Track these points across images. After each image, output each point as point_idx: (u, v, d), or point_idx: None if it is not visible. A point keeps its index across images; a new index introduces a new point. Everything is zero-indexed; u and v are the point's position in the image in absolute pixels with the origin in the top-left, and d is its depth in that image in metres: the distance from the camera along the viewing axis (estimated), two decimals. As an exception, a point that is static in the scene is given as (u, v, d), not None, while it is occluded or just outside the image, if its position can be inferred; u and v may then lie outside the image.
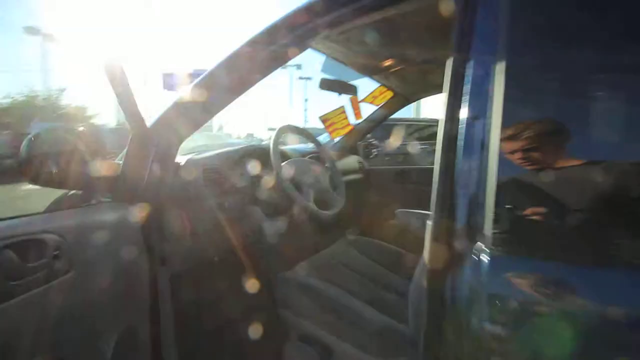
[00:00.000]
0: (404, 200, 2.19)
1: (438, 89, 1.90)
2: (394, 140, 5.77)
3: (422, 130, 5.87)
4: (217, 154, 1.13)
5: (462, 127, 0.56)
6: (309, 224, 1.58)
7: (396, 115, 2.24)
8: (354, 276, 1.09)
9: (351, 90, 1.67)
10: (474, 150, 0.53)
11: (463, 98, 0.56)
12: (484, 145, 0.53)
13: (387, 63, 1.30)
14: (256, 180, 1.13)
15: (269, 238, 1.16)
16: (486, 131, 0.53)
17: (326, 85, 1.49)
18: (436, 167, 0.60)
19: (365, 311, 0.99)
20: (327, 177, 1.26)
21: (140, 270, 0.85)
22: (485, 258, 0.51)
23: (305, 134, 1.27)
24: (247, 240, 1.31)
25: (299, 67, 26.86)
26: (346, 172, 2.01)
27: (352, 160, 2.17)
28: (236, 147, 1.21)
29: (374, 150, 2.48)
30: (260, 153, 1.22)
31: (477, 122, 0.53)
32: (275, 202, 1.17)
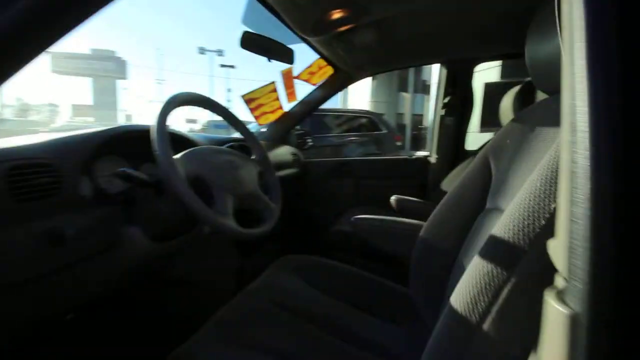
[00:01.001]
0: (352, 198, 1.90)
1: (400, 62, 1.63)
2: (326, 131, 5.58)
3: (352, 121, 5.73)
4: (49, 141, 0.61)
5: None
6: (227, 246, 1.14)
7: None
8: (296, 325, 0.71)
9: (286, 55, 1.25)
10: None
11: None
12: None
13: (338, 15, 0.93)
14: (134, 183, 0.66)
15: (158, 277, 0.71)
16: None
17: (251, 42, 1.04)
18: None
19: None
20: (255, 174, 0.85)
21: None
22: None
23: (219, 109, 0.81)
24: (117, 288, 0.83)
25: (220, 52, 24.99)
26: (278, 167, 1.61)
27: (284, 152, 1.77)
28: (96, 129, 0.70)
29: (309, 140, 2.11)
30: (140, 136, 0.74)
31: None
32: (167, 218, 0.71)
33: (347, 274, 0.93)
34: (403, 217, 1.19)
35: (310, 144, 2.10)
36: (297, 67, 1.65)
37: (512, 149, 0.65)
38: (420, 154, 1.86)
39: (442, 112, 1.60)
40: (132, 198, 0.73)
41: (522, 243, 0.37)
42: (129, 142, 0.77)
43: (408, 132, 10.02)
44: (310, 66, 1.61)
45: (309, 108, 1.84)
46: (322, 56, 1.47)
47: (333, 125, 5.73)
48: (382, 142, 5.70)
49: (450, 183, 1.52)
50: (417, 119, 10.70)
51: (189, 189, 0.59)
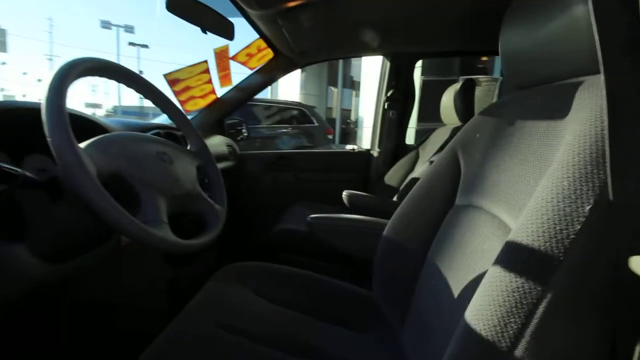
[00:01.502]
0: (293, 193, 1.78)
1: (345, 51, 1.54)
2: (256, 122, 5.31)
3: (283, 112, 5.59)
4: None
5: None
6: (153, 256, 0.94)
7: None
8: (252, 352, 0.58)
9: (224, 28, 1.06)
10: None
11: None
12: None
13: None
14: (13, 183, 0.45)
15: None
16: None
17: (179, 4, 0.84)
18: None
19: None
20: (194, 169, 0.68)
21: None
22: None
23: (140, 83, 0.61)
24: None
25: (129, 29, 22.02)
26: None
27: (218, 143, 1.57)
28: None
29: (244, 130, 1.93)
30: (23, 118, 0.51)
31: None
32: (66, 230, 0.51)
33: (302, 280, 0.82)
34: (355, 213, 1.13)
35: (245, 134, 1.93)
36: (232, 47, 1.47)
37: (484, 143, 0.62)
38: (349, 147, 1.83)
39: (385, 105, 1.59)
40: (12, 204, 0.51)
41: (555, 252, 0.31)
42: (5, 126, 0.54)
43: (338, 125, 10.26)
44: (248, 47, 1.44)
45: (245, 95, 1.67)
46: (263, 36, 1.31)
47: (263, 116, 5.52)
48: (313, 135, 5.68)
49: (393, 177, 1.53)
50: (345, 113, 11.03)
51: (103, 190, 0.42)
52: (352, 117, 10.91)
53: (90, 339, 0.93)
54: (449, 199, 0.68)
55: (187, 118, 0.74)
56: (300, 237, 1.13)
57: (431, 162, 1.15)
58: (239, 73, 1.59)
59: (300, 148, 5.53)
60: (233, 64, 1.49)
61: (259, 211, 1.73)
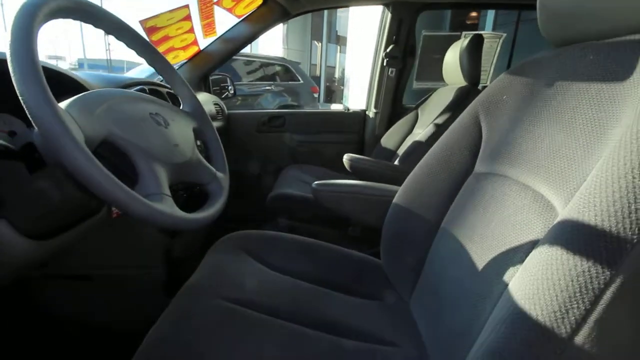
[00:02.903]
0: (286, 155, 1.70)
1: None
2: (237, 78, 5.00)
3: (267, 68, 5.29)
4: None
5: None
6: (144, 226, 0.88)
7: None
8: (266, 327, 0.55)
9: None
10: None
11: None
12: None
13: None
14: None
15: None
16: None
17: None
18: None
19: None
20: (191, 133, 0.60)
21: None
22: None
23: (121, 29, 0.50)
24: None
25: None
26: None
27: (204, 100, 1.45)
28: None
29: (229, 87, 1.79)
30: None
31: None
32: (50, 203, 0.44)
33: (307, 248, 0.79)
34: (356, 177, 1.09)
35: (232, 92, 1.80)
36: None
37: (514, 106, 0.57)
38: (337, 106, 1.75)
39: (384, 62, 1.49)
40: None
41: (629, 233, 0.28)
42: None
43: (322, 84, 9.91)
44: (235, -10, 1.28)
45: (232, 47, 1.52)
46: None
47: (244, 72, 5.21)
48: (298, 93, 5.47)
49: (390, 139, 1.48)
50: (329, 70, 10.61)
51: (95, 160, 0.34)
52: (337, 75, 10.52)
53: (85, 318, 0.88)
54: (467, 166, 0.64)
55: (177, 73, 0.65)
56: (298, 202, 1.09)
57: (436, 124, 1.10)
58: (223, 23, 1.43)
59: (285, 107, 5.34)
60: (217, 11, 1.33)
61: (251, 175, 1.67)
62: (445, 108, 1.16)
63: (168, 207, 0.43)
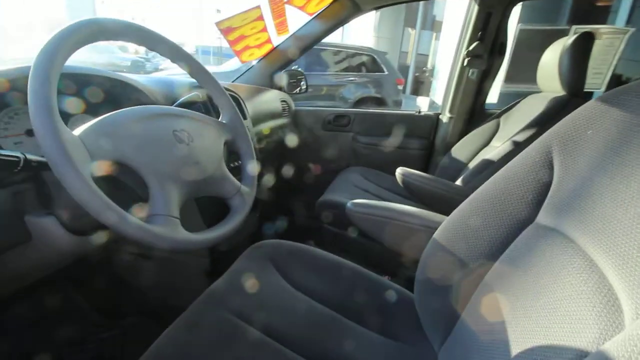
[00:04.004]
0: (347, 156, 1.66)
1: None
2: (322, 68, 5.06)
3: (352, 58, 5.22)
4: None
5: None
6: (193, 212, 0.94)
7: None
8: (265, 351, 0.54)
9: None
10: None
11: None
12: None
13: None
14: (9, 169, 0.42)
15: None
16: None
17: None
18: None
19: None
20: (221, 146, 0.61)
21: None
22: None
23: (163, 45, 0.52)
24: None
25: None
26: (264, 118, 1.35)
27: (272, 98, 1.49)
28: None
29: (303, 83, 1.80)
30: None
31: None
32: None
33: (339, 269, 0.75)
34: (409, 195, 1.00)
35: (304, 87, 1.81)
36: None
37: (600, 147, 0.43)
38: (423, 102, 1.59)
39: (465, 62, 1.31)
40: (37, 179, 0.50)
41: None
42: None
43: (411, 74, 9.39)
44: (306, -11, 1.26)
45: (304, 44, 1.52)
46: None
47: (331, 61, 5.23)
48: (382, 84, 5.29)
49: (462, 149, 1.31)
50: (422, 59, 9.95)
51: (91, 187, 0.36)
52: (429, 65, 9.82)
53: (148, 289, 1.01)
54: (528, 213, 0.51)
55: (219, 84, 0.66)
56: (343, 212, 1.05)
57: (515, 142, 0.93)
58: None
59: (367, 99, 5.22)
60: (289, 10, 1.33)
61: (311, 173, 1.67)
62: (531, 122, 0.96)
63: (169, 229, 0.44)
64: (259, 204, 1.17)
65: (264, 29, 1.39)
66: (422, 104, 7.30)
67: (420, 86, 9.14)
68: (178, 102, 0.74)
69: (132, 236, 0.40)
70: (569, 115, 0.50)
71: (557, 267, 0.40)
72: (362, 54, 5.34)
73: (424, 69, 9.58)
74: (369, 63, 5.31)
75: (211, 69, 5.06)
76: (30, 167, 0.41)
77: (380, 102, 5.31)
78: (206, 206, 0.89)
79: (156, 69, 10.85)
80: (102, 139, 0.41)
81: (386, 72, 5.27)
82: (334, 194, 1.18)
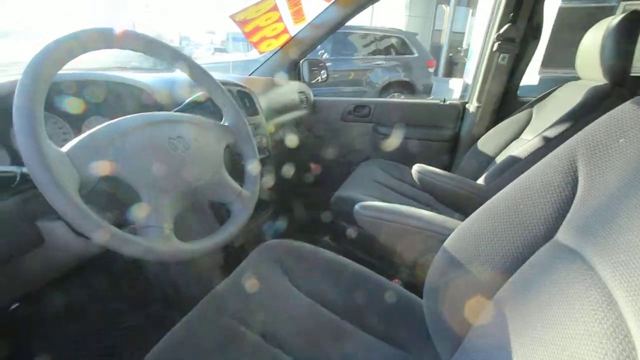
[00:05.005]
0: (367, 148, 1.61)
1: None
2: (350, 52, 4.92)
3: (380, 41, 5.03)
4: None
5: None
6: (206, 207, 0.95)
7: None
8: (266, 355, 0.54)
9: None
10: None
11: None
12: None
13: None
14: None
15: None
16: None
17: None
18: None
19: None
20: (221, 150, 0.59)
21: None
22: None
23: (163, 50, 0.54)
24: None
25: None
26: (281, 111, 1.33)
27: (289, 90, 1.47)
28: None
29: (323, 71, 1.74)
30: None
31: None
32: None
33: (347, 272, 0.73)
34: (425, 192, 0.95)
35: (325, 76, 1.75)
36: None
37: (633, 159, 0.37)
38: (456, 84, 1.49)
39: (495, 46, 1.20)
40: None
41: None
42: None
43: (444, 54, 8.90)
44: (321, -26, 1.20)
45: (322, 32, 1.46)
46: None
47: (358, 45, 5.08)
48: (411, 67, 5.07)
49: (490, 141, 1.22)
50: (457, 38, 9.38)
51: (75, 203, 0.37)
52: (465, 44, 9.24)
53: (167, 279, 1.06)
54: (547, 229, 0.46)
55: (219, 85, 0.64)
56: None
57: (545, 137, 0.84)
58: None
59: (395, 83, 5.04)
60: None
61: (329, 166, 1.64)
62: (566, 114, 0.87)
63: (160, 241, 0.44)
64: (271, 199, 1.17)
65: (280, 19, 1.35)
66: (455, 87, 6.92)
67: (454, 67, 8.65)
68: (184, 103, 0.73)
69: (120, 250, 0.40)
70: (600, 119, 0.43)
71: (571, 297, 0.35)
72: (390, 36, 5.13)
73: (459, 48, 9.02)
74: (398, 45, 5.10)
75: (240, 56, 5.06)
76: (27, 180, 0.42)
77: (409, 86, 5.11)
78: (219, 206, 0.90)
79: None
80: (90, 153, 0.41)
81: (416, 55, 5.04)
82: (349, 189, 1.15)
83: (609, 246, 0.34)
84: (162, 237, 0.45)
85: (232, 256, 1.02)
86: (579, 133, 0.45)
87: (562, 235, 0.43)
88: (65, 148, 0.40)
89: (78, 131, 0.67)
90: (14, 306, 0.70)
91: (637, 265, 0.30)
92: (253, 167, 0.66)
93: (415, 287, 0.76)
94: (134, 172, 0.44)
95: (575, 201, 0.43)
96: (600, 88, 0.85)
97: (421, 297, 0.67)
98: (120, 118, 0.48)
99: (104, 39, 0.46)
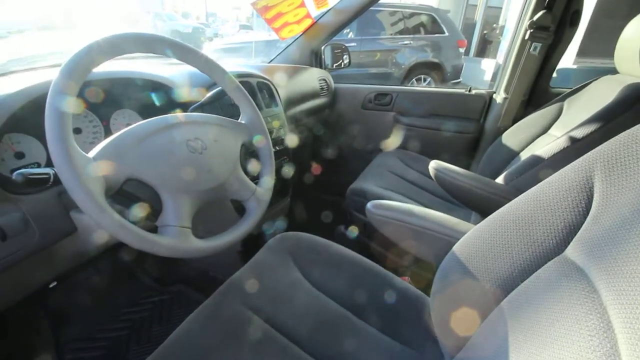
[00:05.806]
0: (387, 138, 1.60)
1: None
2: (377, 31, 4.74)
3: (410, 19, 4.81)
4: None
5: None
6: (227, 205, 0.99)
7: None
8: (273, 347, 0.58)
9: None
10: None
11: None
12: None
13: None
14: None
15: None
16: None
17: None
18: None
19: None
20: (237, 149, 0.62)
21: None
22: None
23: (182, 51, 0.56)
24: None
25: None
26: (302, 99, 1.33)
27: (310, 78, 1.46)
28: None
29: (345, 56, 1.71)
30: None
31: None
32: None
33: (357, 267, 0.75)
34: (439, 187, 0.94)
35: (347, 61, 1.72)
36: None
37: None
38: (489, 65, 1.42)
39: (527, 34, 1.12)
40: None
41: None
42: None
43: (477, 32, 8.39)
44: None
45: (345, 17, 1.43)
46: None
47: (386, 24, 4.87)
48: (441, 47, 4.84)
49: (515, 135, 1.17)
50: (494, 13, 8.77)
51: (102, 205, 0.40)
52: (501, 20, 8.64)
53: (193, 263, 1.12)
54: (556, 243, 0.45)
55: (236, 82, 0.66)
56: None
57: (572, 138, 0.80)
58: None
59: (423, 64, 4.85)
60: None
61: (347, 155, 1.64)
62: (598, 113, 0.81)
63: (179, 240, 0.47)
64: (290, 189, 1.19)
65: (302, 4, 1.33)
66: (487, 67, 6.55)
67: (488, 46, 8.15)
68: (205, 97, 0.75)
69: (143, 248, 0.44)
70: (623, 134, 0.42)
71: (570, 319, 0.36)
72: (421, 14, 4.88)
73: (495, 25, 8.45)
74: (428, 23, 4.86)
75: (263, 35, 4.99)
76: (60, 180, 0.46)
77: (437, 67, 4.90)
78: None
79: (215, 35, 11.13)
80: (114, 160, 0.44)
81: (447, 34, 4.80)
82: (366, 180, 1.16)
83: (615, 272, 0.34)
84: (181, 236, 0.48)
85: (251, 242, 1.07)
86: (600, 147, 0.43)
87: (572, 251, 0.43)
88: (91, 153, 0.43)
89: (107, 123, 0.71)
90: (53, 284, 0.77)
91: (638, 298, 0.30)
92: (269, 164, 0.68)
93: (424, 285, 0.77)
94: (154, 174, 0.48)
95: (588, 218, 0.42)
96: (637, 86, 0.79)
97: (429, 295, 0.69)
98: (139, 122, 0.51)
99: (138, 43, 0.49)
